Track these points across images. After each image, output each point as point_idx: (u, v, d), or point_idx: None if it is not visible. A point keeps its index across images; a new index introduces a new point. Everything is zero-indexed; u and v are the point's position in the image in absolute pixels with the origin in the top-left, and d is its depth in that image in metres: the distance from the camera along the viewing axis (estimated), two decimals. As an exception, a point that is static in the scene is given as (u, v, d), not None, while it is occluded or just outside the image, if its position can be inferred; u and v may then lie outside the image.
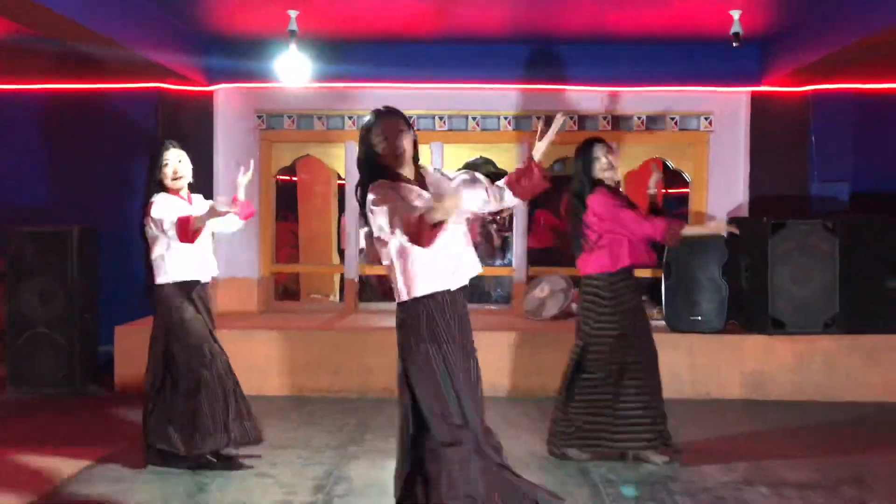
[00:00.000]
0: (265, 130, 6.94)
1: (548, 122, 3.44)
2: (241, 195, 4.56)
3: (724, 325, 6.06)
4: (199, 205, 4.44)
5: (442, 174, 3.36)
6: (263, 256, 7.03)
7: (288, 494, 3.90)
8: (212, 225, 4.37)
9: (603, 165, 4.34)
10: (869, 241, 5.98)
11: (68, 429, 5.12)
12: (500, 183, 3.38)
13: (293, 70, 5.46)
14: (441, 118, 6.87)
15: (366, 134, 3.19)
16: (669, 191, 10.54)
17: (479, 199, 3.31)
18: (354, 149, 6.77)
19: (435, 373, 3.05)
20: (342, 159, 6.93)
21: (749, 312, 6.16)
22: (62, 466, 4.29)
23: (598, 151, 4.36)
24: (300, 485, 4.04)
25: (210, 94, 6.87)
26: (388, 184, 3.08)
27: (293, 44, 5.10)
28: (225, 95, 6.92)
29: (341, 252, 8.03)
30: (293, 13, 5.53)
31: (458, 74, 6.75)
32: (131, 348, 6.01)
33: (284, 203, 8.55)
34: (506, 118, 6.84)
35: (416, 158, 3.25)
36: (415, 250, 3.01)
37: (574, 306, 6.71)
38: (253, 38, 6.51)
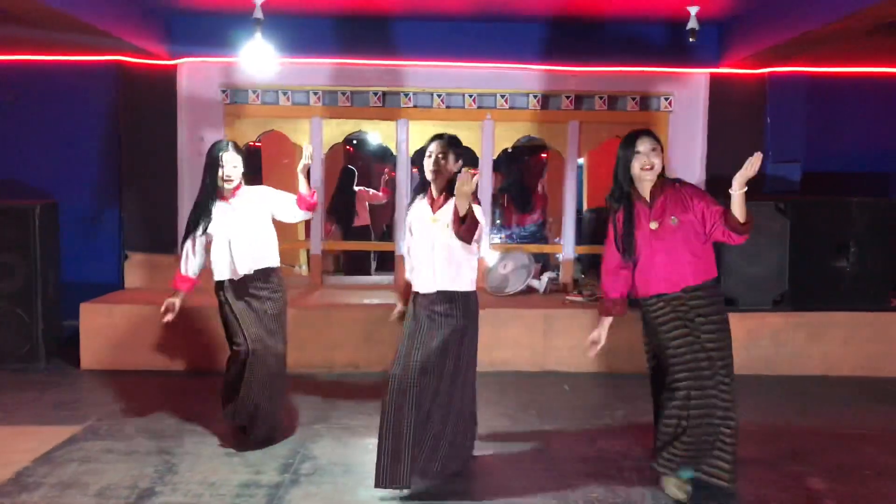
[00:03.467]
0: (230, 105, 6.89)
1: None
2: (304, 189, 4.50)
3: (679, 302, 6.24)
4: (247, 197, 4.51)
5: None
6: (228, 231, 7.02)
7: (255, 474, 4.00)
8: (273, 213, 4.55)
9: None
10: (818, 222, 6.18)
11: (33, 407, 5.11)
12: None
13: (258, 57, 5.45)
14: (406, 95, 6.89)
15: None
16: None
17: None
18: (321, 124, 6.90)
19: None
20: (307, 135, 6.92)
21: (703, 290, 6.37)
22: (29, 446, 4.31)
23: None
24: (267, 464, 4.14)
25: (173, 68, 6.79)
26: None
27: (258, 32, 5.06)
28: (188, 69, 6.84)
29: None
30: (258, -1, 5.39)
31: (423, 52, 6.77)
32: (96, 325, 6.05)
33: (252, 168, 8.42)
34: (470, 96, 6.89)
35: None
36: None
37: (535, 283, 6.89)
38: (217, 11, 6.44)
